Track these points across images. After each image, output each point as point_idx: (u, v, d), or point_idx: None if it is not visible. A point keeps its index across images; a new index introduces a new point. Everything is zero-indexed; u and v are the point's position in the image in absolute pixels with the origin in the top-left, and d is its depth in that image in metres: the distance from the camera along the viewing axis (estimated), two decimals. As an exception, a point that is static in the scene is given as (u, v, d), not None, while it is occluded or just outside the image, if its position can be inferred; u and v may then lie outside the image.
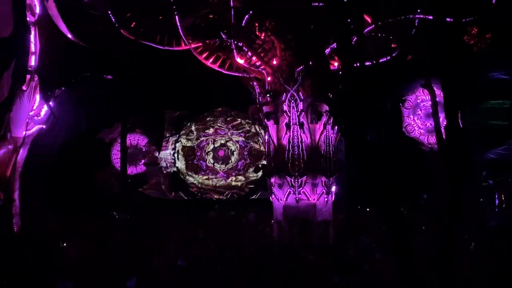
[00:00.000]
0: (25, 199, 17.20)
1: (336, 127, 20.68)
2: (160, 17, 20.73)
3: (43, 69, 16.59)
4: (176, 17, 20.34)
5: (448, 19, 12.20)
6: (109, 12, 20.46)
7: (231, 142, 34.20)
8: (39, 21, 16.40)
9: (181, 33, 20.72)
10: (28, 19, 16.00)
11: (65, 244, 19.43)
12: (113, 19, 20.50)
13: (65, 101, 18.29)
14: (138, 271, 16.39)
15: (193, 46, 21.28)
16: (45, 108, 16.90)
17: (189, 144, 34.42)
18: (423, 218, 21.28)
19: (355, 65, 12.91)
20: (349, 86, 12.66)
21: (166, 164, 34.40)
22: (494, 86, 25.67)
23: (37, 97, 16.62)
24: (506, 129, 26.30)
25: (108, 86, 23.17)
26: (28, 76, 15.94)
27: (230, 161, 34.17)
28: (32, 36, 16.14)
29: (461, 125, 25.69)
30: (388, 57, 19.16)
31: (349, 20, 13.23)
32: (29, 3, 15.97)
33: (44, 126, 17.08)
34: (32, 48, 16.11)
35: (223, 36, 20.55)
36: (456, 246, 12.06)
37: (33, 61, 16.17)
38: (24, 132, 16.16)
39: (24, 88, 15.84)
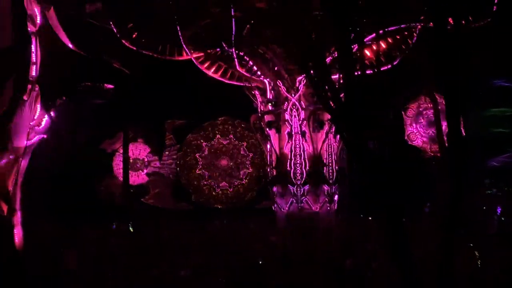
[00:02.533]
0: (27, 209, 17.17)
1: (338, 135, 20.64)
2: (162, 27, 20.74)
3: (44, 79, 16.62)
4: (178, 27, 20.37)
5: (448, 27, 12.16)
6: (111, 23, 20.53)
7: (233, 151, 34.20)
8: (40, 31, 16.44)
9: (182, 43, 20.75)
10: (29, 29, 16.06)
11: (66, 254, 19.36)
12: (114, 30, 20.56)
13: (66, 111, 18.33)
14: (140, 281, 16.34)
15: (194, 55, 21.32)
16: (46, 118, 16.91)
17: (191, 153, 34.42)
18: (426, 226, 21.18)
19: (356, 73, 12.90)
20: (350, 95, 12.61)
21: (169, 173, 34.42)
22: (497, 94, 25.66)
23: (38, 107, 16.63)
24: (508, 137, 26.27)
25: (109, 96, 23.21)
26: (29, 86, 15.96)
27: (232, 171, 34.15)
28: (33, 46, 16.17)
29: (464, 133, 25.71)
30: (389, 66, 19.21)
31: (350, 28, 13.21)
32: (29, 13, 16.01)
33: (45, 136, 17.09)
34: (33, 58, 16.13)
35: (225, 46, 20.57)
36: (457, 254, 12.00)
37: (34, 71, 16.19)
38: (25, 142, 16.16)
39: (25, 98, 15.86)
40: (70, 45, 17.97)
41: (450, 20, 12.24)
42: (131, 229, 27.64)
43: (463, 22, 18.43)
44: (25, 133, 15.99)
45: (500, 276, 14.74)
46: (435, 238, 12.24)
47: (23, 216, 16.79)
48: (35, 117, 16.42)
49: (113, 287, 16.34)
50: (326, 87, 13.12)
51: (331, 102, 13.18)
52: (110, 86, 22.23)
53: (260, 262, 19.00)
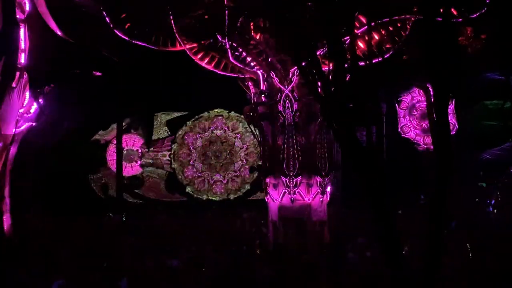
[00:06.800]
0: (16, 197, 17.14)
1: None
2: (155, 18, 20.60)
3: (33, 66, 16.56)
4: (171, 17, 20.23)
5: (438, 19, 12.08)
6: (104, 13, 20.35)
7: (227, 143, 34.24)
8: (28, 18, 16.37)
9: (176, 33, 20.62)
10: (17, 16, 15.99)
11: (57, 245, 19.34)
12: (107, 19, 20.40)
13: (55, 98, 18.26)
14: (131, 272, 16.34)
15: (187, 46, 21.18)
16: (34, 106, 16.88)
17: (185, 145, 34.46)
18: (419, 219, 21.20)
19: (346, 65, 12.86)
20: (340, 87, 12.57)
21: (162, 165, 34.43)
22: (490, 87, 25.65)
23: (27, 94, 16.60)
24: (501, 130, 26.29)
25: (99, 85, 23.08)
26: (17, 73, 15.92)
27: (226, 162, 34.20)
28: (21, 33, 16.11)
29: (457, 126, 25.61)
30: (381, 58, 19.16)
31: (341, 20, 13.16)
32: (18, 0, 15.95)
33: (34, 124, 17.06)
34: (22, 45, 16.09)
35: (218, 37, 20.44)
36: (447, 247, 11.97)
37: (22, 58, 16.15)
38: (14, 130, 16.13)
39: (13, 85, 15.83)
40: (59, 32, 17.84)
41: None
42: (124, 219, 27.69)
43: (456, 13, 18.45)
44: (13, 121, 15.96)
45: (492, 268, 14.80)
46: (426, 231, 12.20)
47: (13, 203, 16.77)
48: (24, 105, 16.40)
49: (104, 278, 16.31)
50: (317, 78, 13.08)
51: (321, 94, 13.15)
52: (99, 73, 22.02)
53: (252, 253, 19.04)
